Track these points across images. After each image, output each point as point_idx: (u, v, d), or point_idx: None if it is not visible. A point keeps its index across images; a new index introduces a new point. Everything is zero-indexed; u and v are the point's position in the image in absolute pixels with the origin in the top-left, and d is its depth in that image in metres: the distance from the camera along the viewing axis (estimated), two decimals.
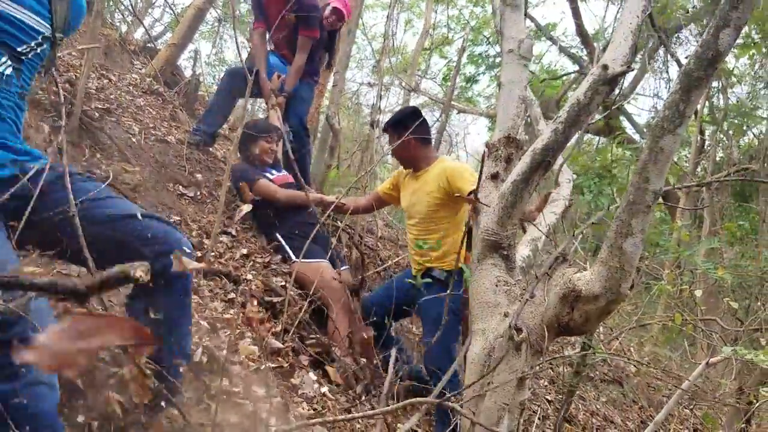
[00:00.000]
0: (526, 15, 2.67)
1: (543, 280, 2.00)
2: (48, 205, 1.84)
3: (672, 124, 1.82)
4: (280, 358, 2.91)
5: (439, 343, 3.08)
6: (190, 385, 2.18)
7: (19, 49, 1.80)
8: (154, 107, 5.51)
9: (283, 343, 2.95)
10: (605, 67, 2.00)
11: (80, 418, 1.83)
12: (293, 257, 3.71)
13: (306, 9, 4.50)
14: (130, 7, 9.23)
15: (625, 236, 1.86)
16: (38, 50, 1.88)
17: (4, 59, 1.77)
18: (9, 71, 1.79)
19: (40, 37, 1.87)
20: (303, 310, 3.27)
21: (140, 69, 6.41)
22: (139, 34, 9.03)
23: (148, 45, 7.28)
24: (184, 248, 1.96)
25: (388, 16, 9.28)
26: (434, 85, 17.16)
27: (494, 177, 2.18)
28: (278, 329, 3.07)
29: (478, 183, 2.13)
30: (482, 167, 2.21)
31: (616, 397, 5.81)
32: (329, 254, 3.78)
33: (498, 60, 13.89)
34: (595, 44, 10.54)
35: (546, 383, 5.36)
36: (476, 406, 1.88)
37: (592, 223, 2.43)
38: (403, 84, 13.30)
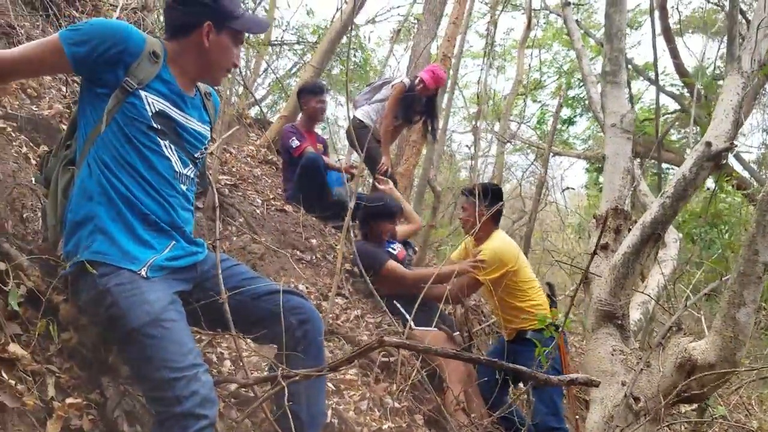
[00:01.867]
0: (626, 60, 2.81)
1: (658, 350, 2.09)
2: (208, 290, 2.14)
3: None
4: (397, 418, 3.07)
5: (543, 400, 3.19)
6: None
7: (195, 155, 2.15)
8: (269, 176, 5.94)
9: (399, 403, 3.11)
10: (709, 144, 2.11)
11: None
12: (412, 324, 3.73)
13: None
14: (240, 80, 9.98)
15: (738, 306, 1.93)
16: (205, 153, 2.23)
17: (190, 165, 2.11)
18: (191, 174, 2.14)
19: (207, 142, 2.22)
20: (416, 370, 3.42)
21: (255, 140, 6.92)
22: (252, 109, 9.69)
23: (259, 118, 7.85)
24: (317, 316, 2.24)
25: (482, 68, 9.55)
26: (526, 128, 17.23)
27: (604, 248, 2.30)
28: (393, 389, 3.23)
29: (592, 257, 2.25)
30: (597, 243, 2.33)
31: None
32: (437, 319, 3.92)
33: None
34: (695, 82, 10.37)
35: None
36: None
37: (705, 294, 2.48)
38: (497, 136, 13.49)
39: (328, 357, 3.17)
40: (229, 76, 6.83)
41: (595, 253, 2.26)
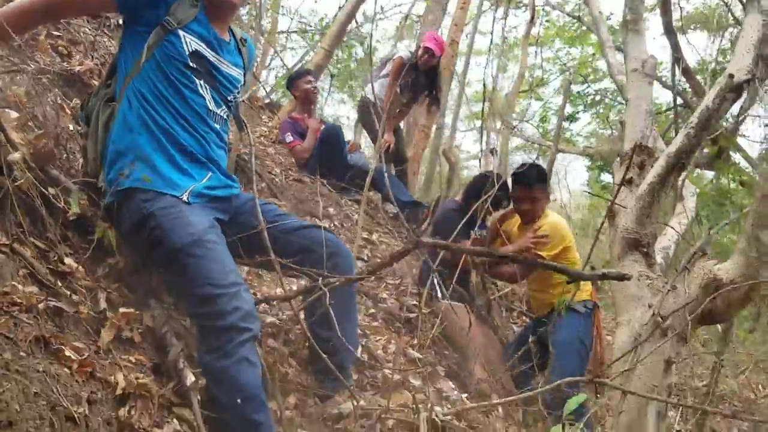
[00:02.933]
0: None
1: (683, 273, 2.15)
2: (244, 224, 2.21)
3: None
4: (423, 370, 3.14)
5: (564, 366, 3.22)
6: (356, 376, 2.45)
7: (228, 98, 2.23)
8: (282, 154, 6.01)
9: (421, 354, 3.18)
10: (731, 76, 2.18)
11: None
12: (440, 297, 3.80)
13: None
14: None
15: (762, 228, 2.00)
16: (238, 97, 2.31)
17: (223, 106, 2.19)
18: (225, 115, 2.22)
19: (239, 85, 2.30)
20: (435, 327, 3.49)
21: (267, 122, 7.00)
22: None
23: (270, 101, 7.93)
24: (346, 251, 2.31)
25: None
26: (527, 125, 17.26)
27: (629, 182, 2.37)
28: (414, 342, 3.31)
29: (617, 190, 2.31)
30: (623, 177, 2.40)
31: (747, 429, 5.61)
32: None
33: (597, 98, 13.92)
34: (698, 77, 10.42)
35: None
36: (624, 385, 2.04)
37: (725, 223, 2.54)
38: (505, 124, 13.56)
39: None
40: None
41: (621, 185, 2.33)
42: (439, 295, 3.84)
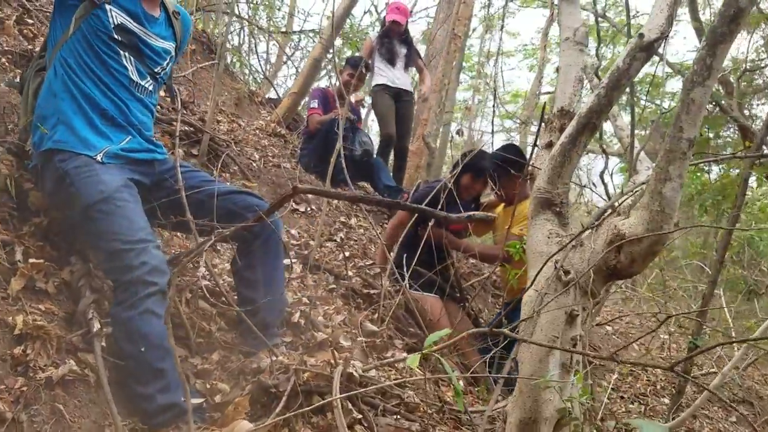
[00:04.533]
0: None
1: (592, 231, 2.18)
2: (168, 188, 2.30)
3: (701, 77, 1.98)
4: (376, 340, 3.19)
5: None
6: (288, 337, 2.52)
7: (155, 70, 2.32)
8: (277, 146, 6.12)
9: (378, 327, 3.23)
10: (641, 36, 2.20)
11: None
12: (408, 284, 3.71)
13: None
14: (260, 70, 10.25)
15: (664, 182, 2.01)
16: (166, 69, 2.40)
17: (148, 78, 2.29)
18: (151, 87, 2.32)
19: (168, 57, 2.39)
20: (397, 303, 3.53)
21: (266, 117, 7.13)
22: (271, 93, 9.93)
23: (273, 98, 8.06)
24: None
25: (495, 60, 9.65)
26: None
27: (548, 146, 2.40)
28: (374, 317, 3.36)
29: (532, 152, 2.35)
30: (536, 138, 2.44)
31: (746, 418, 5.52)
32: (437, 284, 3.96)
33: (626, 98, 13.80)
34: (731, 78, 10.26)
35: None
36: (529, 338, 2.07)
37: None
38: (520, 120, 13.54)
39: (310, 286, 3.32)
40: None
41: (535, 145, 2.37)
42: (407, 282, 3.80)
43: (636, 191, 2.40)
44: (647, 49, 2.21)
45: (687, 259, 8.88)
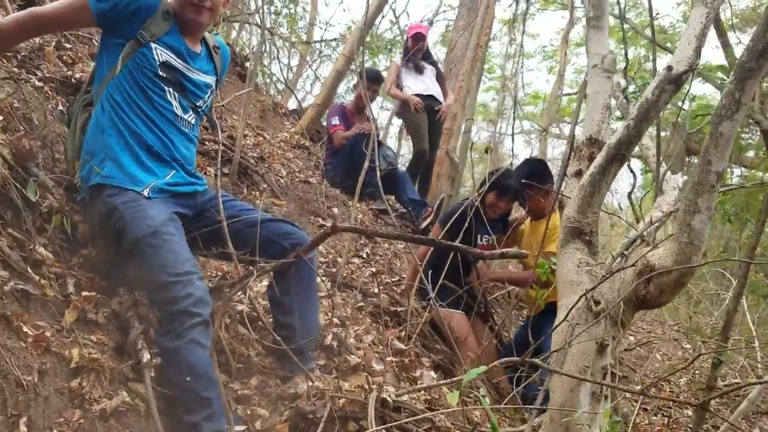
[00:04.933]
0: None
1: (621, 260, 2.23)
2: (209, 218, 2.39)
3: (729, 111, 2.03)
4: (403, 359, 3.26)
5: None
6: (321, 360, 2.60)
7: (197, 104, 2.42)
8: (301, 159, 6.22)
9: (406, 345, 3.29)
10: (669, 68, 2.25)
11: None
12: (435, 302, 3.66)
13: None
14: (282, 79, 10.36)
15: (693, 214, 2.06)
16: (207, 102, 2.49)
17: (191, 112, 2.38)
18: (193, 120, 2.41)
19: (209, 90, 2.49)
20: (424, 320, 3.60)
21: (290, 128, 7.23)
22: (292, 102, 10.05)
23: (296, 109, 8.17)
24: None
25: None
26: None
27: (578, 174, 2.46)
28: (402, 335, 3.42)
29: (562, 179, 2.40)
30: (565, 166, 2.49)
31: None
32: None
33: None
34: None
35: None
36: (560, 368, 2.12)
37: (671, 213, 2.58)
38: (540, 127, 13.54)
39: (339, 304, 3.39)
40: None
41: (564, 174, 2.42)
42: (432, 300, 3.81)
43: (663, 221, 2.45)
44: (675, 81, 2.26)
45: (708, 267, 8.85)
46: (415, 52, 6.29)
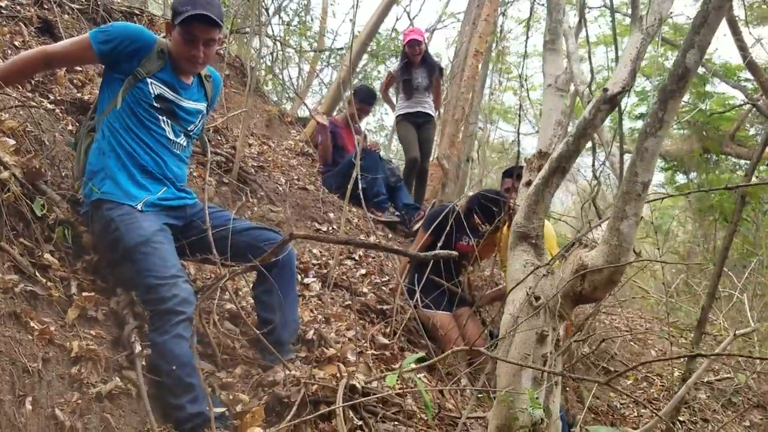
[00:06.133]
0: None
1: (561, 260, 2.48)
2: (197, 228, 2.69)
3: (654, 128, 2.27)
4: (386, 353, 3.53)
5: None
6: (302, 353, 2.89)
7: (188, 128, 2.72)
8: (304, 165, 6.52)
9: (389, 340, 3.56)
10: (605, 90, 2.50)
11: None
12: (420, 301, 4.03)
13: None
14: (292, 87, 10.68)
15: (621, 219, 2.31)
16: (198, 125, 2.79)
17: (182, 136, 2.68)
18: (185, 143, 2.72)
19: (200, 116, 2.78)
20: (408, 317, 3.86)
21: (296, 136, 7.54)
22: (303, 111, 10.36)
23: (302, 117, 8.48)
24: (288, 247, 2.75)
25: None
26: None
27: (528, 184, 2.71)
28: (387, 330, 3.70)
29: (509, 191, 2.65)
30: (522, 179, 2.75)
31: (760, 422, 5.71)
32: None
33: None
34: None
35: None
36: (506, 356, 2.38)
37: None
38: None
39: (327, 303, 3.68)
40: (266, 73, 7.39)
41: (510, 187, 2.67)
42: (418, 302, 4.04)
43: (599, 224, 2.70)
44: (611, 102, 2.51)
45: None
46: (413, 57, 6.46)
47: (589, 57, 4.34)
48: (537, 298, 2.39)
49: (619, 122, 3.38)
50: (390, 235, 5.53)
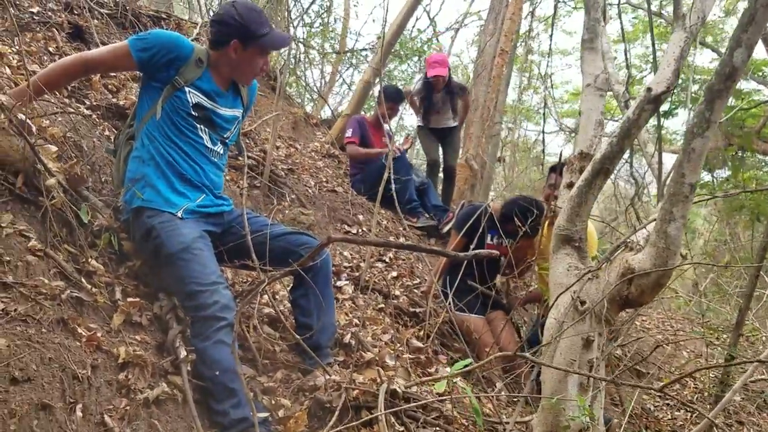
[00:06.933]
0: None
1: (606, 264, 2.45)
2: (235, 234, 2.69)
3: (701, 128, 2.24)
4: (421, 356, 3.51)
5: None
6: (340, 357, 2.88)
7: (225, 135, 2.73)
8: (331, 167, 6.53)
9: (423, 344, 3.55)
10: (649, 90, 2.46)
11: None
12: (453, 304, 3.99)
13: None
14: (315, 88, 10.70)
15: (669, 222, 2.28)
16: (234, 132, 2.79)
17: (219, 144, 2.69)
18: (221, 150, 2.73)
19: (236, 122, 2.79)
20: (441, 320, 3.84)
21: (321, 138, 7.55)
22: (325, 112, 10.37)
23: (327, 118, 8.49)
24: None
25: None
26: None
27: (570, 186, 2.68)
28: (421, 334, 3.68)
29: (550, 194, 2.63)
30: (564, 180, 2.71)
31: None
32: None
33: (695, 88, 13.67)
34: None
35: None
36: (550, 362, 2.35)
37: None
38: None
39: (361, 306, 3.67)
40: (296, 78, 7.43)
41: (554, 187, 2.64)
42: (450, 305, 4.01)
43: (644, 226, 2.66)
44: (655, 102, 2.47)
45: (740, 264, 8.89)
46: (436, 87, 6.38)
47: (626, 55, 4.26)
48: (583, 303, 2.36)
49: (658, 122, 3.33)
50: (421, 238, 5.51)
